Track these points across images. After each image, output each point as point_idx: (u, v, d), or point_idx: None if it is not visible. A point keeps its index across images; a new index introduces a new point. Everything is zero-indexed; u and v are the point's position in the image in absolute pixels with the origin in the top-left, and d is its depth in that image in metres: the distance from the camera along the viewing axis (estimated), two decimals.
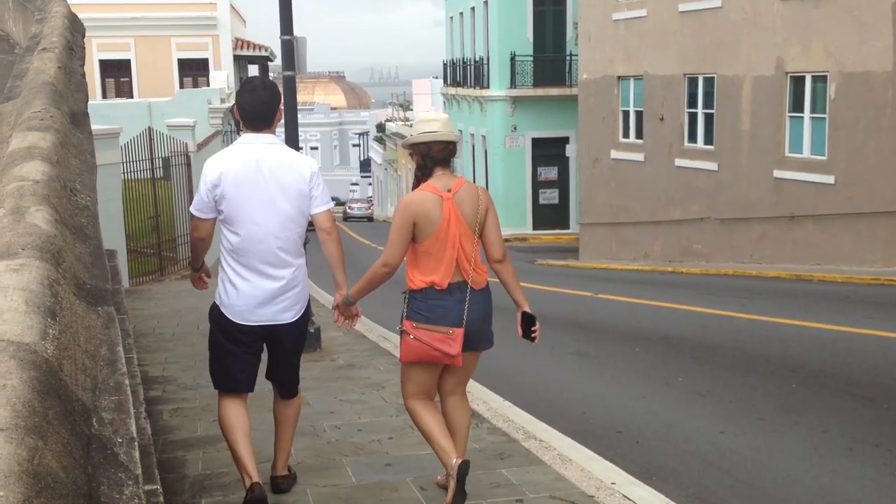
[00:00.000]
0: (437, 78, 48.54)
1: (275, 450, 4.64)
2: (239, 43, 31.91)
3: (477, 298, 4.33)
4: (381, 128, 58.37)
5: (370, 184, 67.97)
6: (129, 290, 12.63)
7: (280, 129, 4.88)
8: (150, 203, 16.17)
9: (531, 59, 28.57)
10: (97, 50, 28.59)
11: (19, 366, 2.08)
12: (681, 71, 19.23)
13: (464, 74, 33.26)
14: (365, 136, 73.01)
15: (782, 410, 6.65)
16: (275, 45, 18.46)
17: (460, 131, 33.28)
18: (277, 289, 4.30)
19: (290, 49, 9.05)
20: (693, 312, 11.53)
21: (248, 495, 4.21)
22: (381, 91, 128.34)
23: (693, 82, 19.01)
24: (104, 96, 29.34)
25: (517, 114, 28.82)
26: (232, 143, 4.51)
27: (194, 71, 30.50)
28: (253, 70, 35.38)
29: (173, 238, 17.07)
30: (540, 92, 28.43)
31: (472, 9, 31.95)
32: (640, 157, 20.73)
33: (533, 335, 4.42)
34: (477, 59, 31.24)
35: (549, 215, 29.32)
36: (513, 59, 28.35)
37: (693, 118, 19.10)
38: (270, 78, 28.76)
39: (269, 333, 4.38)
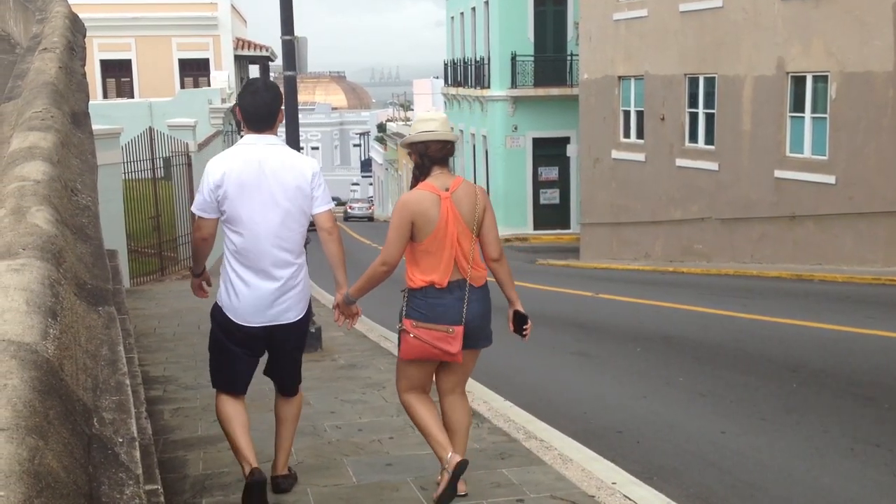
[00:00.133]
0: (437, 78, 48.53)
1: (275, 448, 4.65)
2: (240, 43, 31.91)
3: (476, 296, 4.37)
4: (381, 128, 58.38)
5: (371, 184, 67.99)
6: (129, 290, 12.64)
7: (280, 130, 4.89)
8: (151, 203, 16.17)
9: (532, 59, 28.57)
10: (98, 50, 28.60)
11: (20, 366, 2.08)
12: (681, 71, 19.23)
13: (464, 74, 33.26)
14: (366, 136, 73.03)
15: (783, 410, 6.65)
16: (276, 45, 18.47)
17: (461, 131, 33.29)
18: (279, 289, 4.32)
19: (291, 49, 9.05)
20: (694, 312, 11.53)
21: (248, 479, 4.23)
22: (382, 91, 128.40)
23: (694, 82, 19.00)
24: (105, 96, 29.35)
25: (518, 114, 28.82)
26: (233, 143, 4.54)
27: (195, 71, 30.50)
28: (254, 70, 35.39)
29: (174, 238, 17.07)
30: (541, 92, 28.43)
31: (473, 9, 31.95)
32: (640, 157, 20.73)
33: (524, 333, 4.52)
34: (478, 59, 31.25)
35: (550, 215, 29.31)
36: (513, 59, 28.35)
37: (694, 118, 19.09)
38: (271, 78, 28.76)
39: (271, 334, 4.40)
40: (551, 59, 28.77)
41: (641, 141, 20.85)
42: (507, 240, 27.45)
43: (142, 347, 8.29)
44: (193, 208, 4.42)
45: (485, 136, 30.49)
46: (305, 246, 4.57)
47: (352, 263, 4.74)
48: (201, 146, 19.90)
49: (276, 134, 4.45)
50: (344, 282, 4.54)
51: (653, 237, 20.47)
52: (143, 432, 3.08)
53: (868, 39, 14.43)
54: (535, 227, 29.07)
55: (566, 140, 28.19)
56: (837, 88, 15.08)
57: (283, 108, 4.54)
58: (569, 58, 28.28)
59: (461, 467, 4.36)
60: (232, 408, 4.42)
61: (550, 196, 29.39)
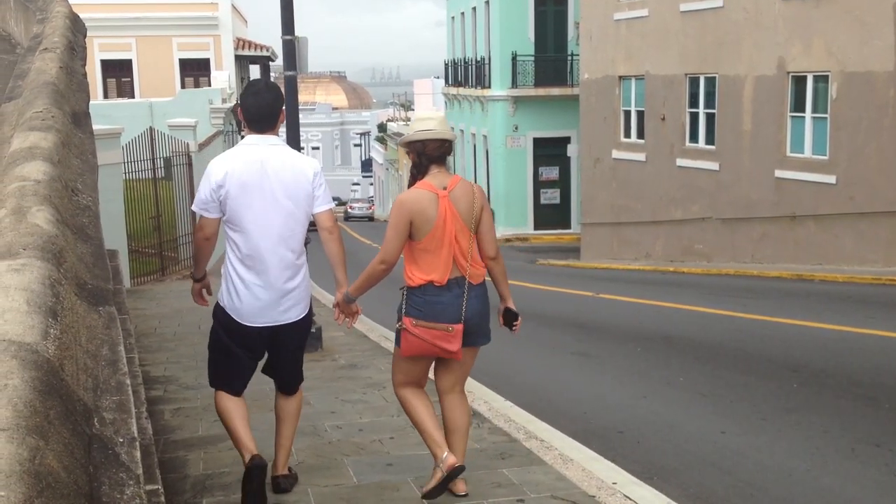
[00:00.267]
0: (438, 78, 48.56)
1: (275, 448, 4.66)
2: (240, 43, 31.90)
3: (474, 293, 4.40)
4: (382, 128, 58.40)
5: (371, 184, 68.01)
6: (130, 290, 12.64)
7: (281, 130, 4.91)
8: (152, 203, 16.18)
9: (532, 58, 28.57)
10: (99, 50, 28.60)
11: (21, 366, 2.08)
12: (682, 71, 19.23)
13: (465, 74, 33.26)
14: (366, 136, 73.05)
15: (784, 410, 6.65)
16: (276, 45, 18.49)
17: (462, 131, 33.29)
18: (280, 289, 4.34)
19: (292, 49, 9.06)
20: (694, 312, 11.53)
21: (249, 464, 4.24)
22: (383, 91, 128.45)
23: (694, 82, 19.00)
24: (105, 96, 29.35)
25: (518, 114, 28.82)
26: (233, 143, 4.55)
27: (196, 71, 30.50)
28: (254, 70, 35.37)
29: (175, 238, 17.07)
30: (541, 92, 28.43)
31: (474, 9, 31.94)
32: (641, 156, 20.73)
33: (514, 327, 4.61)
34: (478, 58, 31.25)
35: (551, 215, 29.31)
36: (514, 58, 28.34)
37: (694, 118, 19.09)
38: (272, 78, 28.74)
39: (273, 333, 4.43)
40: (552, 59, 28.77)
41: (642, 141, 20.85)
42: (508, 240, 27.45)
43: (142, 347, 8.29)
44: (194, 207, 4.43)
45: (485, 136, 30.49)
46: (306, 245, 4.58)
47: (353, 263, 4.75)
48: (202, 146, 19.89)
49: (277, 134, 4.48)
50: (344, 281, 4.56)
51: (653, 237, 20.47)
52: (144, 432, 3.08)
53: (869, 39, 14.42)
54: (536, 227, 29.07)
55: (567, 140, 28.19)
56: (838, 88, 15.08)
57: (284, 108, 4.55)
58: (569, 58, 28.28)
59: (456, 471, 4.38)
60: (231, 402, 4.46)
61: (551, 196, 29.38)
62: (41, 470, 1.79)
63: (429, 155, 4.41)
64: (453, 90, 35.29)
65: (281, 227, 4.31)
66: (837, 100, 15.11)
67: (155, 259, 16.20)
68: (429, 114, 4.67)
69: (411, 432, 5.46)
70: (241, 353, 4.42)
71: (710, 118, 18.48)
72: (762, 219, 16.98)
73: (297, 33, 9.14)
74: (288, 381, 4.64)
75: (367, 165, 71.46)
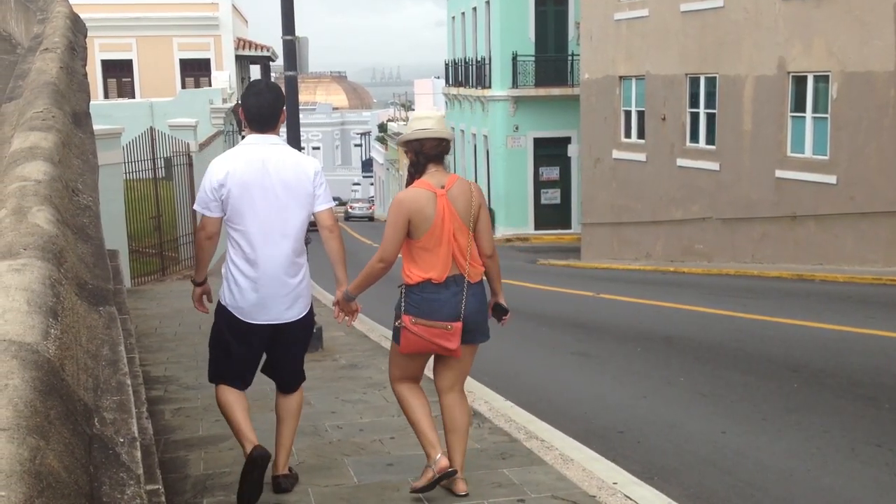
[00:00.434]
0: (438, 78, 48.55)
1: (276, 447, 4.66)
2: (241, 43, 31.90)
3: (473, 291, 4.42)
4: (382, 128, 58.39)
5: (372, 184, 68.02)
6: (130, 290, 12.64)
7: (282, 130, 4.92)
8: (152, 203, 16.18)
9: (533, 58, 28.57)
10: (99, 50, 28.59)
11: (21, 366, 2.08)
12: (682, 71, 19.23)
13: (465, 74, 33.26)
14: (367, 136, 73.04)
15: (784, 410, 6.65)
16: (277, 45, 18.47)
17: (462, 131, 33.29)
18: (281, 287, 4.37)
19: (292, 49, 9.06)
20: (695, 312, 11.53)
21: (251, 454, 4.24)
22: (383, 91, 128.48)
23: (695, 82, 19.00)
24: (106, 96, 29.35)
25: (519, 114, 28.81)
26: (234, 143, 4.57)
27: (196, 71, 30.49)
28: (255, 70, 35.37)
29: (175, 238, 17.07)
30: (542, 92, 28.43)
31: (474, 9, 31.94)
32: (641, 156, 20.73)
33: (502, 321, 4.69)
34: (479, 59, 31.25)
35: (551, 215, 29.31)
36: (514, 58, 28.34)
37: (695, 118, 19.09)
38: (272, 78, 28.74)
39: (275, 331, 4.45)
40: (552, 59, 28.77)
41: (642, 141, 20.85)
42: (509, 240, 27.45)
43: (143, 347, 8.29)
44: (196, 206, 4.46)
45: (486, 136, 30.49)
46: (306, 245, 4.60)
47: (353, 263, 4.76)
48: (202, 146, 19.89)
49: (278, 134, 4.51)
50: (344, 279, 4.59)
51: (654, 237, 20.47)
52: (144, 432, 3.08)
53: (869, 39, 14.42)
54: (536, 227, 29.07)
55: (567, 140, 28.19)
56: (838, 88, 15.08)
57: (285, 108, 4.58)
58: (570, 58, 28.28)
59: (447, 474, 4.40)
60: (232, 394, 4.47)
61: (551, 196, 29.39)
62: (42, 470, 1.79)
63: (426, 154, 4.43)
64: (454, 90, 35.29)
65: (282, 226, 4.34)
66: (838, 100, 15.11)
67: (155, 259, 16.20)
68: (426, 113, 4.68)
69: (412, 432, 5.46)
70: (241, 350, 4.44)
71: (711, 118, 18.48)
72: (762, 219, 16.98)
73: (297, 33, 9.14)
74: (288, 381, 4.65)
75: (367, 165, 71.47)
